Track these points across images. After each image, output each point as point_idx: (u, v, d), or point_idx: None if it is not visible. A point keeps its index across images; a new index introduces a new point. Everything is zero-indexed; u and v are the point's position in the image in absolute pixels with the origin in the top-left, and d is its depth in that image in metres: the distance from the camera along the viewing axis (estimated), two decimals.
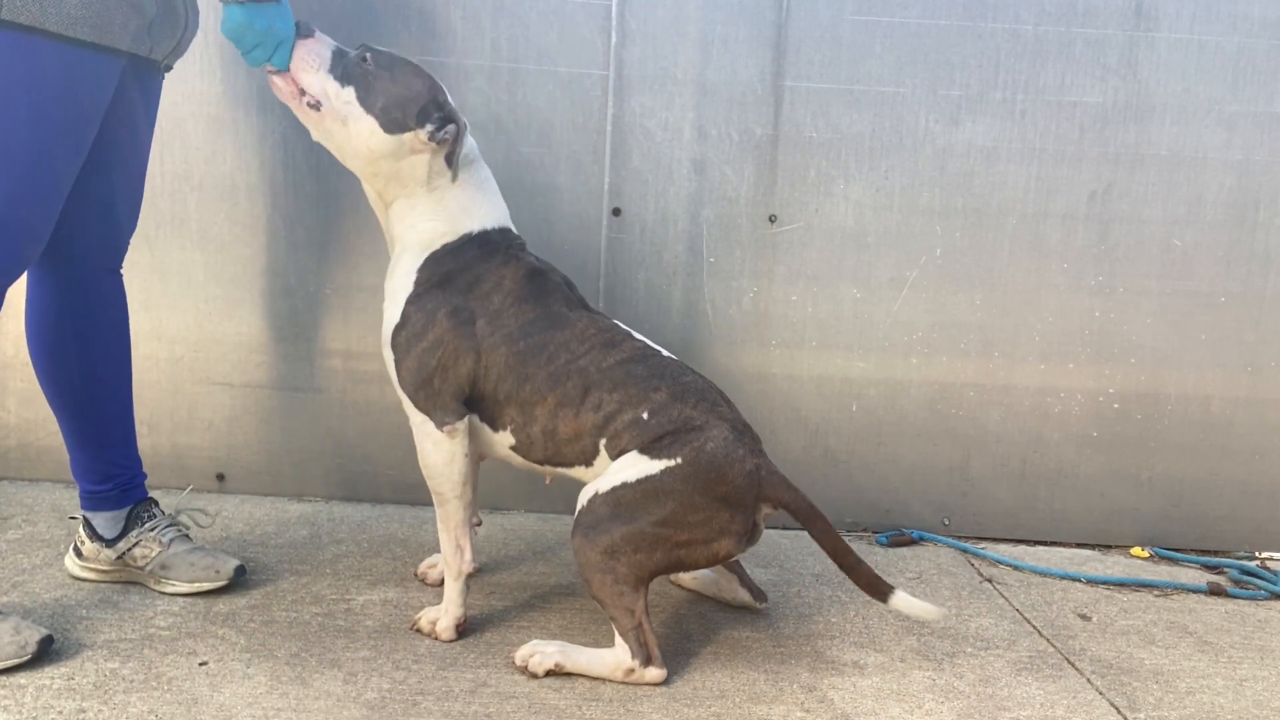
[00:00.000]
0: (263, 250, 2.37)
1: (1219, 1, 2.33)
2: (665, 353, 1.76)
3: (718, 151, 2.36)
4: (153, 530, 1.87)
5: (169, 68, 1.82)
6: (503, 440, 1.74)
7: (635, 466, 1.62)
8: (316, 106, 1.67)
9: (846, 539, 2.44)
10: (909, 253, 2.40)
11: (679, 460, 1.60)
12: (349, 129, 1.67)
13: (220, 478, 2.45)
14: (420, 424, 1.70)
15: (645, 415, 1.65)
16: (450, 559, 1.74)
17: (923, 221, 2.39)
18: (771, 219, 2.38)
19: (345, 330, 2.40)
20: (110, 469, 1.86)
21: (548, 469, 1.76)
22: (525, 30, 2.31)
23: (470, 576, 1.76)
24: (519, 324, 1.68)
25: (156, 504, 1.92)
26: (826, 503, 2.47)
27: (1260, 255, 2.42)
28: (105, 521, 1.86)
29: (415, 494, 2.45)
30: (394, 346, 1.70)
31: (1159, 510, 2.49)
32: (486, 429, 1.74)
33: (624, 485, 1.60)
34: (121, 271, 1.87)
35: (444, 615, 1.74)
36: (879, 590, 1.67)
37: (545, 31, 2.31)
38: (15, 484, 2.41)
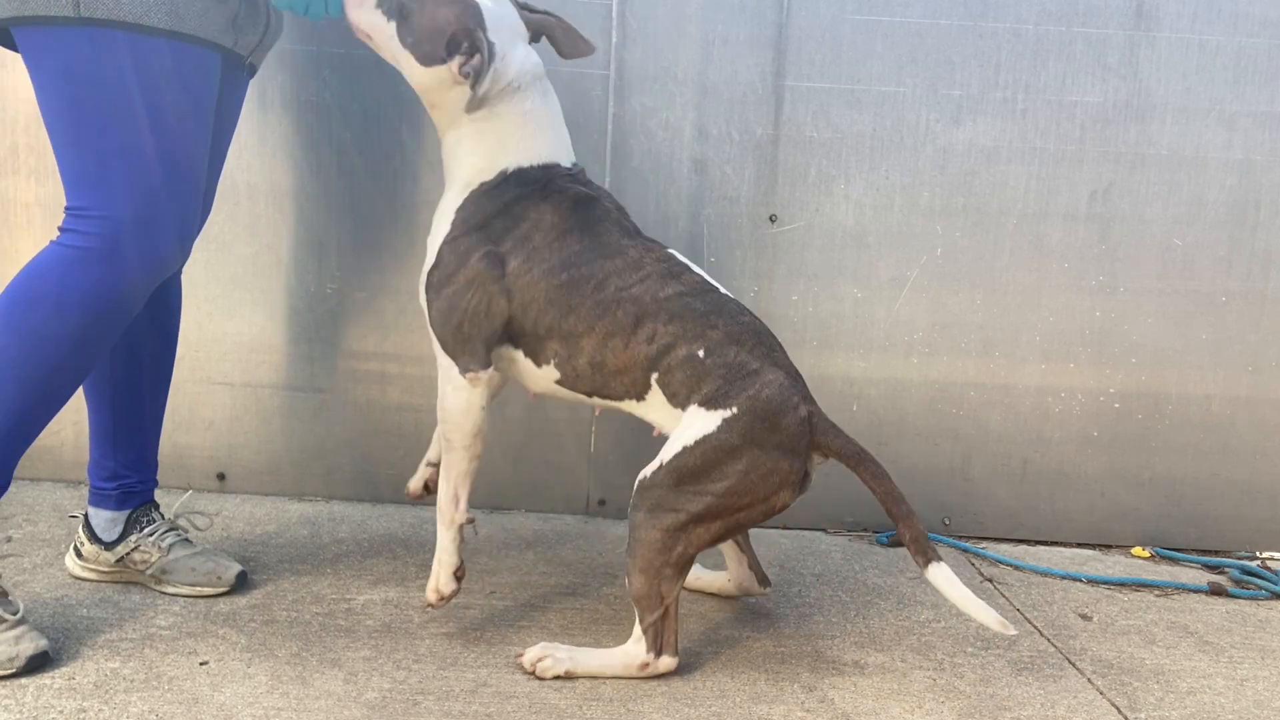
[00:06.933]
0: (263, 250, 2.37)
1: (1220, 1, 2.33)
2: (723, 289, 1.72)
3: (718, 151, 2.36)
4: (151, 535, 1.86)
5: (254, 68, 1.81)
6: (547, 375, 1.70)
7: (693, 425, 1.60)
8: (370, 38, 1.69)
9: (847, 540, 2.45)
10: (909, 252, 2.40)
11: (735, 410, 1.59)
12: (399, 63, 1.68)
13: (221, 477, 2.45)
14: (445, 368, 1.68)
15: (701, 354, 1.62)
16: (445, 507, 1.71)
17: (923, 221, 2.39)
18: (772, 219, 2.38)
19: (346, 329, 2.40)
20: (119, 469, 1.86)
21: (596, 400, 1.72)
22: None
23: (465, 526, 1.73)
24: (561, 257, 1.64)
25: (157, 507, 1.91)
26: (827, 503, 2.47)
27: (1261, 255, 2.41)
28: (105, 523, 1.86)
29: None
30: (427, 287, 1.68)
31: (1160, 510, 2.49)
32: (530, 364, 1.71)
33: (684, 451, 1.59)
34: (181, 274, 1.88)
35: (439, 567, 1.71)
36: (924, 553, 1.61)
37: None
38: (16, 484, 2.41)
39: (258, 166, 2.34)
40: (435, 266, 1.67)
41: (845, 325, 2.42)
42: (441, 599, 1.73)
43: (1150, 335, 2.43)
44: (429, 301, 1.68)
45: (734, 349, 1.63)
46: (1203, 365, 2.44)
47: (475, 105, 1.62)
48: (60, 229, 1.57)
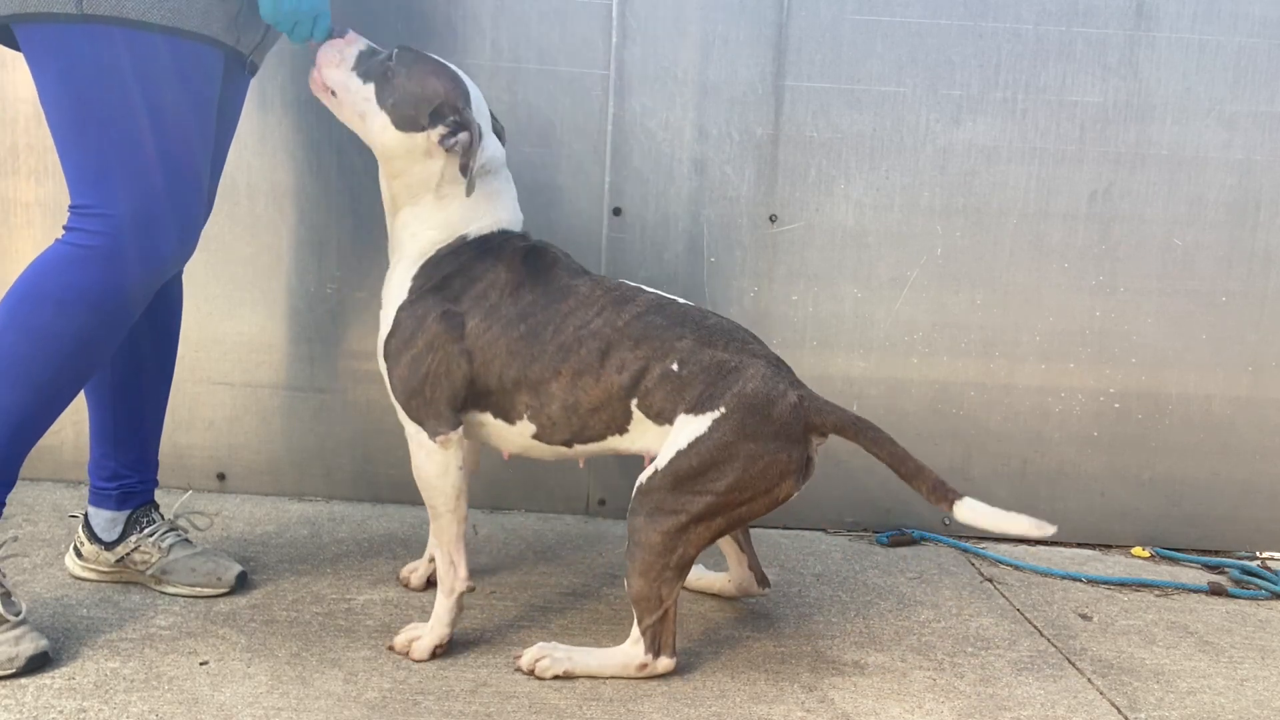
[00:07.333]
0: (263, 250, 2.37)
1: (1220, 1, 2.33)
2: (682, 301, 1.72)
3: (718, 151, 2.36)
4: (151, 536, 1.86)
5: (255, 67, 1.81)
6: (522, 431, 1.69)
7: (684, 431, 1.59)
8: (334, 95, 1.69)
9: (847, 540, 2.45)
10: (909, 252, 2.40)
11: (723, 409, 1.58)
12: (366, 123, 1.67)
13: (221, 477, 2.45)
14: (414, 434, 1.67)
15: (675, 367, 1.61)
16: (444, 575, 1.69)
17: (923, 221, 2.39)
18: (772, 219, 2.38)
19: (346, 329, 2.40)
20: (119, 469, 1.86)
21: (578, 449, 1.71)
22: (526, 30, 2.31)
23: (465, 595, 1.70)
24: (517, 309, 1.65)
25: (157, 508, 1.91)
26: (828, 503, 2.47)
27: (1261, 255, 2.41)
28: (105, 523, 1.86)
29: (415, 494, 2.43)
30: (386, 355, 1.67)
31: (1160, 510, 2.49)
32: (502, 425, 1.69)
33: (679, 455, 1.58)
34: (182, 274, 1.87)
35: (427, 633, 1.67)
36: (945, 495, 1.58)
37: (546, 31, 2.31)
38: (16, 483, 2.40)
39: (258, 166, 2.34)
40: (393, 334, 1.66)
41: (845, 325, 2.42)
42: (405, 655, 1.68)
43: (1150, 335, 2.43)
44: (389, 369, 1.67)
45: (708, 352, 1.63)
46: (1203, 365, 2.44)
47: (470, 187, 1.63)
48: (65, 228, 1.57)
